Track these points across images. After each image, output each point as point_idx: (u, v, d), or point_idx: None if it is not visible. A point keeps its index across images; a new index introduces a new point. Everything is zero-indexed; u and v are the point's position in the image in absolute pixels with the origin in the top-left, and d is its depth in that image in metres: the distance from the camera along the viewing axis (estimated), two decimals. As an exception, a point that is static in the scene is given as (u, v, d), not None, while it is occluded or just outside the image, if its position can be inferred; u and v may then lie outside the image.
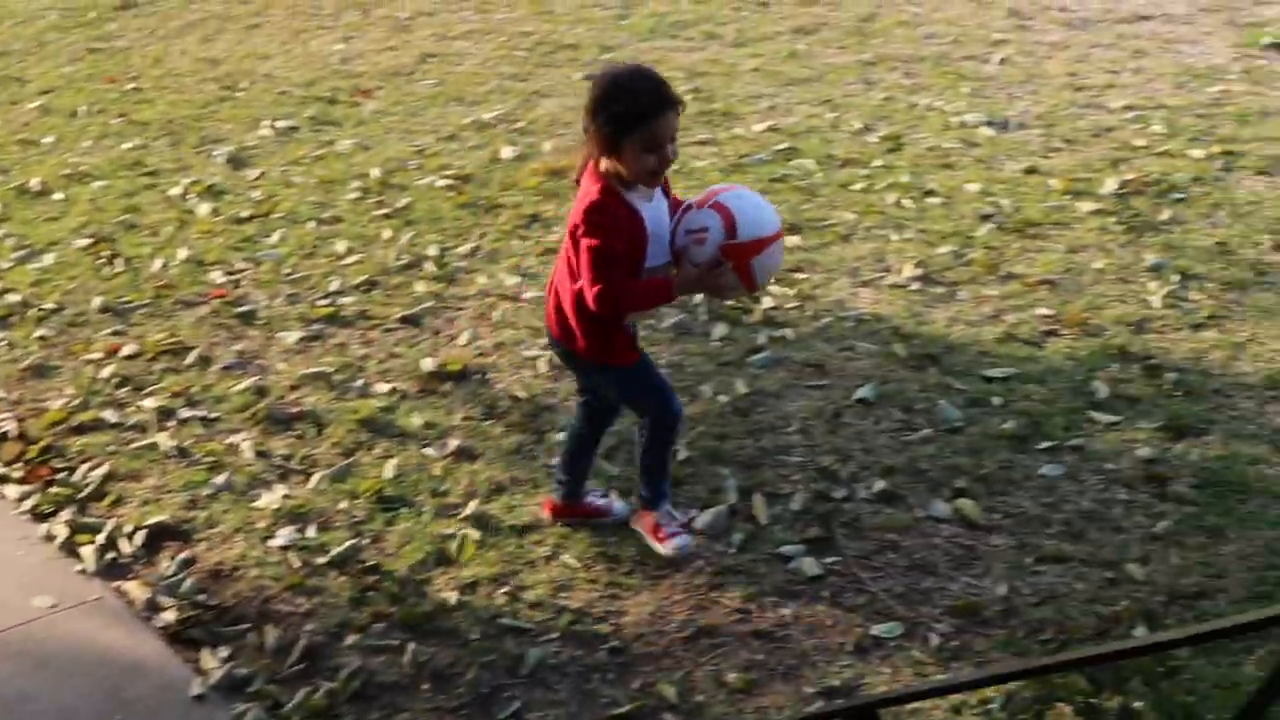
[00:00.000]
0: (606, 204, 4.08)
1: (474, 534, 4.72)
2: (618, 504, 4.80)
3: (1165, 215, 6.89)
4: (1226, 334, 5.86)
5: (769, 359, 5.76)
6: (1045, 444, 5.15)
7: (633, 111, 3.99)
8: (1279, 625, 2.87)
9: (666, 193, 4.31)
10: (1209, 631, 2.39)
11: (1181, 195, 7.12)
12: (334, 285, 6.42)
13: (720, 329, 5.98)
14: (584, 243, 4.09)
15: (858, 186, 7.37)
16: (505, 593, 4.48)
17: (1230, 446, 5.11)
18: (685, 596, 4.45)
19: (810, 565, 4.55)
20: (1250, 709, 2.32)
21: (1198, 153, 7.61)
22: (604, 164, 4.10)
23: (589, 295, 4.14)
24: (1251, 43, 9.36)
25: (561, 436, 5.17)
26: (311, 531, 4.78)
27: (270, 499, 4.96)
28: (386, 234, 6.89)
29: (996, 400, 5.41)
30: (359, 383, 5.64)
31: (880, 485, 4.94)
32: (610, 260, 4.09)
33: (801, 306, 6.18)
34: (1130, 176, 7.31)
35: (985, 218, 6.96)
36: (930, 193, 7.29)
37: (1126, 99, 8.45)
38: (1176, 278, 6.28)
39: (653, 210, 4.19)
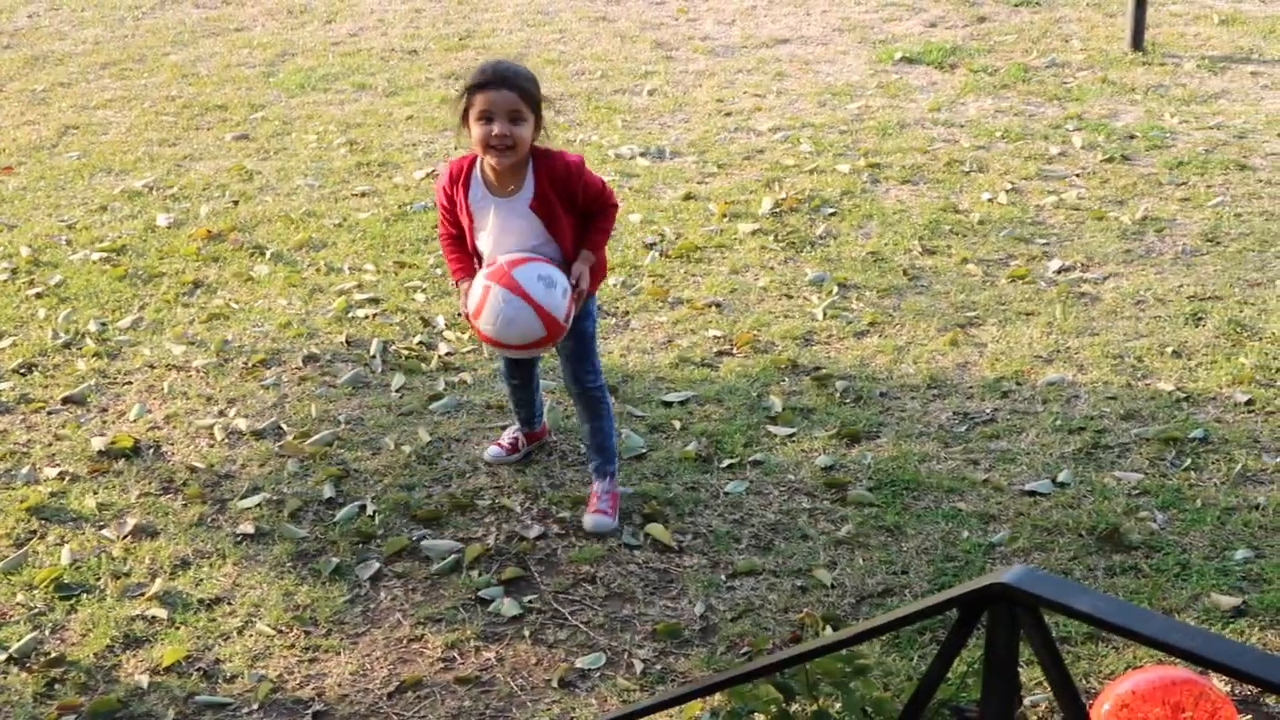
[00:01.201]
0: (450, 169, 4.76)
1: (161, 612, 4.58)
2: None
3: (820, 230, 7.15)
4: (887, 339, 6.10)
5: (450, 404, 5.75)
6: (728, 462, 5.27)
7: (468, 85, 4.56)
8: (920, 620, 2.99)
9: (549, 194, 4.64)
10: (866, 630, 2.49)
11: (834, 209, 7.40)
12: (-11, 371, 6.17)
13: (399, 379, 5.95)
14: None
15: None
16: (200, 669, 4.36)
17: (901, 447, 5.32)
18: (386, 651, 4.41)
19: (510, 605, 4.55)
20: (920, 691, 2.43)
21: (845, 167, 7.92)
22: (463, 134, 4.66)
23: None
24: (885, 59, 9.80)
25: (244, 503, 5.08)
26: (-13, 630, 4.58)
27: (-61, 601, 4.72)
28: (41, 313, 6.65)
29: (677, 424, 5.52)
30: (25, 470, 5.42)
31: (571, 518, 4.99)
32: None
33: (477, 349, 6.19)
34: (784, 195, 7.55)
35: (650, 246, 7.10)
36: (594, 226, 7.39)
37: (774, 120, 8.73)
38: (836, 289, 6.52)
39: (499, 204, 4.67)
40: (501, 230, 4.69)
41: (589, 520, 4.94)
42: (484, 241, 4.74)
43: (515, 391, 5.27)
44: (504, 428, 5.54)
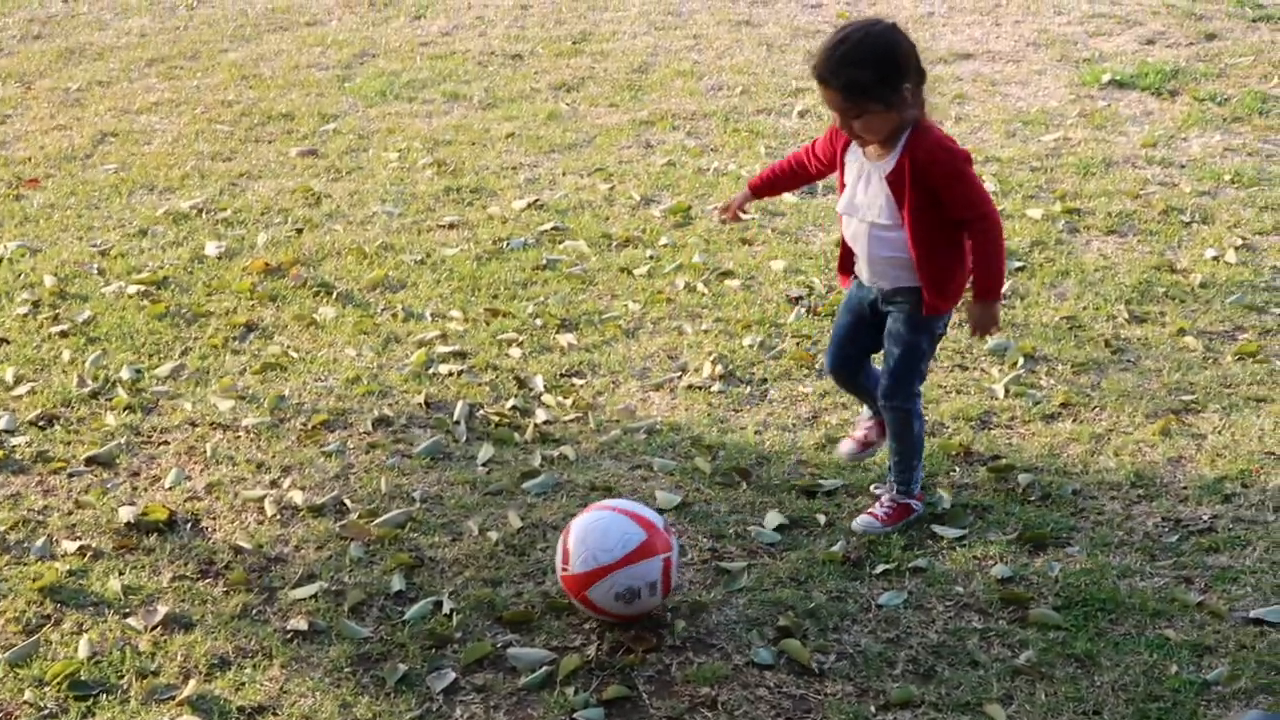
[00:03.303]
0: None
1: (194, 721, 4.64)
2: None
3: (1005, 288, 7.12)
4: (1083, 424, 6.06)
5: (547, 483, 5.79)
6: (883, 568, 5.25)
7: None
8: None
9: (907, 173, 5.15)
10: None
11: (1021, 263, 7.37)
12: (1, 423, 6.29)
13: (486, 450, 6.00)
14: None
15: (641, 270, 7.48)
16: (237, 792, 4.41)
17: (1096, 558, 5.28)
18: (461, 781, 4.43)
19: (612, 732, 4.57)
20: None
21: (1036, 212, 7.90)
22: None
23: None
24: (1091, 81, 9.78)
25: (297, 593, 5.14)
26: (-13, 732, 4.66)
27: (-68, 695, 4.81)
28: (66, 356, 6.78)
29: (821, 519, 5.52)
30: (39, 542, 5.51)
31: (691, 629, 4.99)
32: None
33: (582, 418, 6.23)
34: (960, 244, 7.54)
35: (795, 300, 7.12)
36: (728, 274, 7.44)
37: (950, 153, 8.72)
38: (1022, 361, 6.49)
39: (861, 165, 5.28)
40: (855, 192, 5.32)
41: (857, 521, 5.49)
42: (842, 200, 5.38)
43: (844, 387, 5.85)
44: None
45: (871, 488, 5.67)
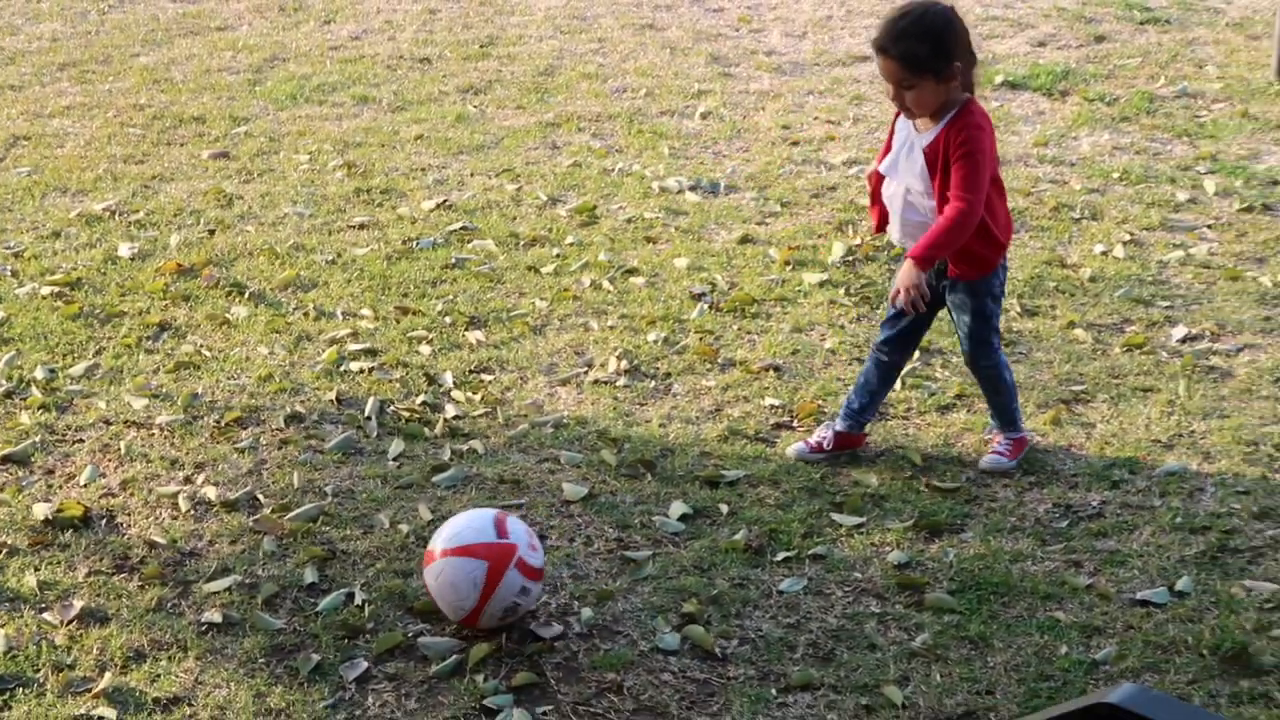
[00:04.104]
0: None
1: (110, 713, 4.63)
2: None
3: (929, 272, 7.18)
4: (977, 415, 6.14)
5: (456, 476, 5.81)
6: (783, 555, 5.30)
7: None
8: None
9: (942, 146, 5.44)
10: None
11: (917, 259, 7.44)
12: (-84, 422, 6.26)
13: (397, 445, 6.02)
14: None
15: (548, 269, 7.51)
16: (153, 781, 4.42)
17: (989, 543, 5.35)
18: (373, 767, 4.45)
19: (520, 717, 4.59)
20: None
21: (932, 210, 7.97)
22: None
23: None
24: (985, 83, 9.86)
25: (211, 586, 5.14)
26: (-96, 727, 4.64)
27: None
28: (-20, 356, 6.75)
29: (724, 508, 5.56)
30: (-45, 539, 5.50)
31: (597, 616, 5.02)
32: None
33: (491, 413, 6.26)
34: (858, 241, 7.61)
35: (698, 297, 7.17)
36: (632, 271, 7.48)
37: (849, 152, 8.81)
38: (917, 354, 6.56)
39: (909, 134, 5.56)
40: (899, 156, 5.59)
41: (984, 460, 5.82)
42: (886, 160, 5.65)
43: (877, 368, 5.91)
44: (518, 506, 5.60)
45: (983, 431, 6.03)
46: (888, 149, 5.68)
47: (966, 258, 5.56)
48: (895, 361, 5.95)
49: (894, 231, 5.74)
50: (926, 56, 5.32)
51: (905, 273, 5.42)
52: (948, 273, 5.62)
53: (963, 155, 5.38)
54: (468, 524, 4.96)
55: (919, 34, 5.34)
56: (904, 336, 5.88)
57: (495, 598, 4.82)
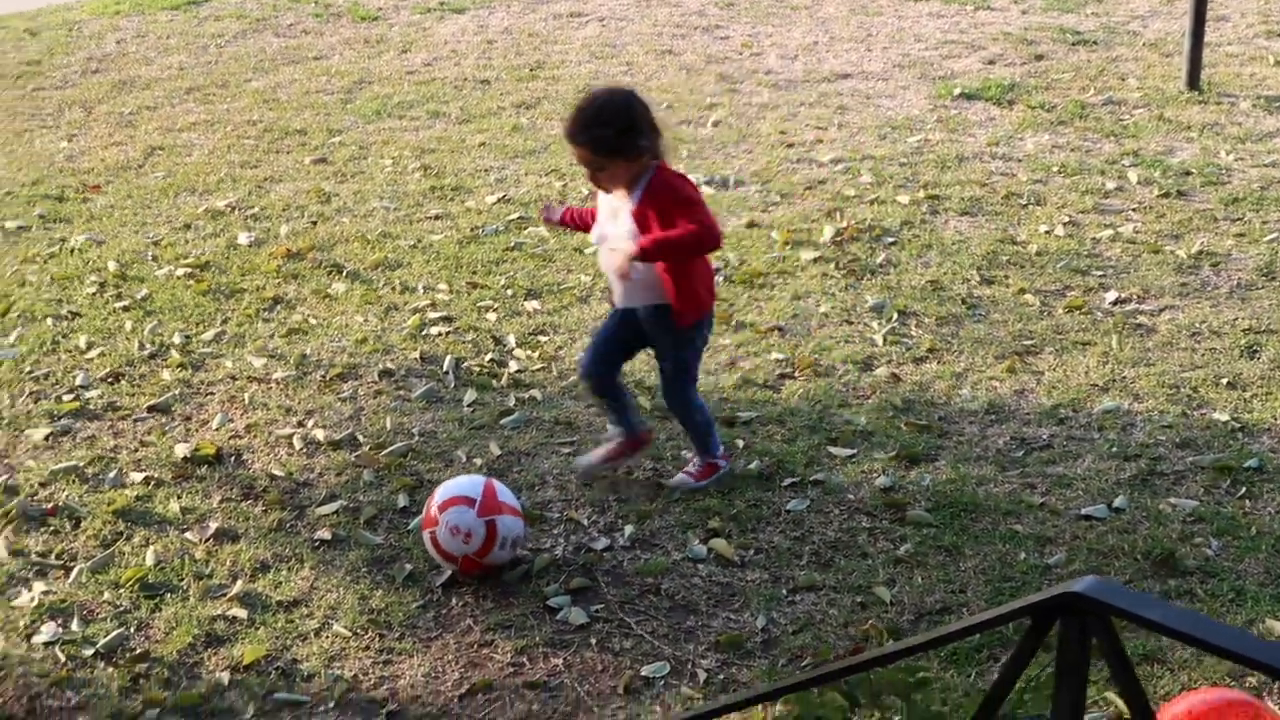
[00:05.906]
0: None
1: (241, 613, 4.63)
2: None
3: (881, 258, 7.15)
4: (946, 365, 6.10)
5: (520, 419, 5.79)
6: (789, 481, 5.28)
7: None
8: (993, 627, 2.98)
9: (647, 207, 4.91)
10: (940, 636, 2.51)
11: (894, 239, 7.40)
12: (78, 379, 6.24)
13: (470, 394, 5.99)
14: None
15: (590, 250, 7.46)
16: (278, 668, 4.41)
17: (959, 470, 5.32)
18: (457, 655, 4.44)
19: (577, 614, 4.58)
20: (989, 699, 2.44)
21: (905, 199, 7.93)
22: None
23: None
24: (945, 95, 9.79)
25: (321, 510, 5.13)
26: (75, 625, 4.63)
27: (29, 597, 4.78)
28: (128, 325, 6.73)
29: (740, 443, 5.53)
30: (112, 474, 5.48)
31: (637, 532, 5.01)
32: None
33: (547, 367, 6.23)
34: (845, 224, 7.56)
35: (714, 271, 7.12)
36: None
37: (835, 152, 8.75)
38: (896, 316, 6.52)
39: (612, 202, 5.04)
40: (604, 228, 5.07)
41: (674, 479, 5.29)
42: (594, 231, 5.14)
43: (595, 392, 5.38)
44: (571, 443, 5.57)
45: (683, 453, 5.48)
46: (593, 217, 5.18)
47: (689, 295, 5.02)
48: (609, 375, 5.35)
49: (616, 295, 5.17)
50: (612, 140, 4.83)
51: (625, 253, 4.89)
52: (671, 309, 5.04)
53: (674, 202, 4.87)
54: (455, 492, 4.83)
55: (603, 122, 4.85)
56: (606, 358, 5.31)
57: (493, 552, 4.73)
